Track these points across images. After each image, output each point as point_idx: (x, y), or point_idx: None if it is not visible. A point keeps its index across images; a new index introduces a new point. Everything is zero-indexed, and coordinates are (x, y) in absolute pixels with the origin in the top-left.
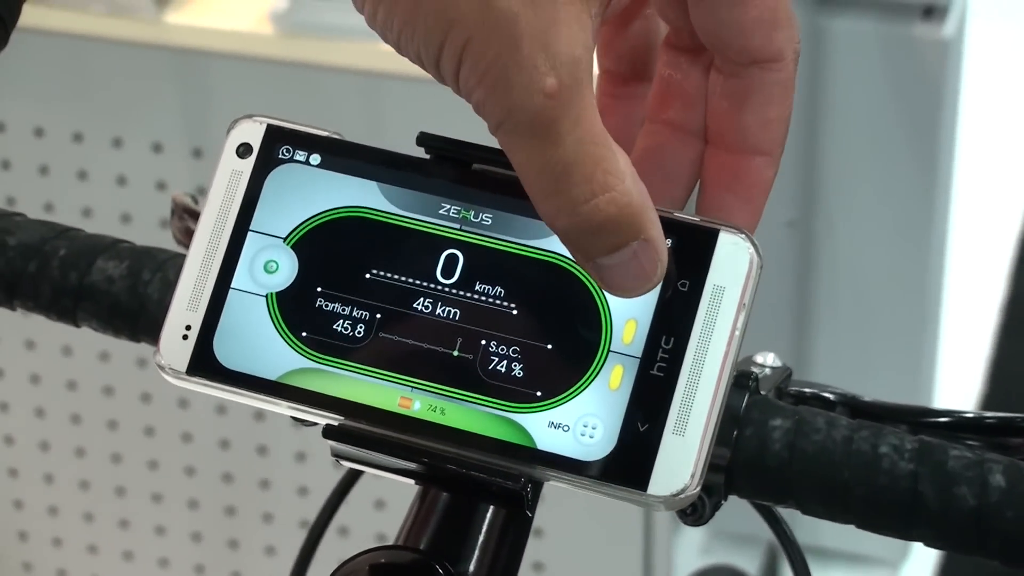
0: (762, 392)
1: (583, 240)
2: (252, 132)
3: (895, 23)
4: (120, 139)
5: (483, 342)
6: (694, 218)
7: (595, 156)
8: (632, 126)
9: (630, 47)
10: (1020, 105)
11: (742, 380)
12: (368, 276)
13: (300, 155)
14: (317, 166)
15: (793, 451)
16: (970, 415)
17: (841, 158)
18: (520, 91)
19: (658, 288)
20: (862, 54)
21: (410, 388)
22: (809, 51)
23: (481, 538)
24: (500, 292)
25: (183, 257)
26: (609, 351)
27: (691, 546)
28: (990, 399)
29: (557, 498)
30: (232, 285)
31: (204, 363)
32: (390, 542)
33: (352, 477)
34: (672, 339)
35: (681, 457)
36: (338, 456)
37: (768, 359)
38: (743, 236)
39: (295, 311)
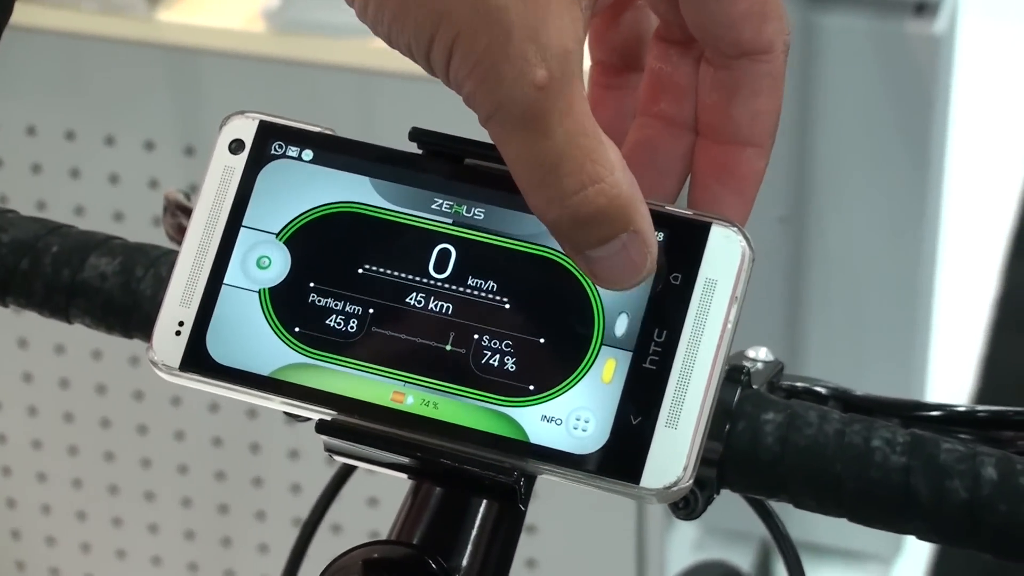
0: (754, 386)
1: (573, 232)
2: (244, 128)
3: (887, 19)
4: (112, 137)
5: (476, 336)
6: (686, 212)
7: (585, 148)
8: (625, 117)
9: (622, 38)
10: (1011, 101)
11: (734, 374)
12: (361, 271)
13: (292, 151)
14: (309, 162)
15: (785, 445)
16: (962, 409)
17: (833, 154)
18: (510, 83)
19: (650, 281)
20: (854, 51)
21: (403, 383)
22: (801, 48)
23: (474, 532)
24: (492, 286)
25: (176, 253)
26: (602, 344)
27: (685, 542)
28: (982, 394)
29: (551, 494)
30: (225, 281)
31: (197, 359)
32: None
33: (344, 474)
34: (664, 332)
35: (674, 450)
36: (331, 451)
37: (760, 353)
38: (735, 229)
39: (288, 307)
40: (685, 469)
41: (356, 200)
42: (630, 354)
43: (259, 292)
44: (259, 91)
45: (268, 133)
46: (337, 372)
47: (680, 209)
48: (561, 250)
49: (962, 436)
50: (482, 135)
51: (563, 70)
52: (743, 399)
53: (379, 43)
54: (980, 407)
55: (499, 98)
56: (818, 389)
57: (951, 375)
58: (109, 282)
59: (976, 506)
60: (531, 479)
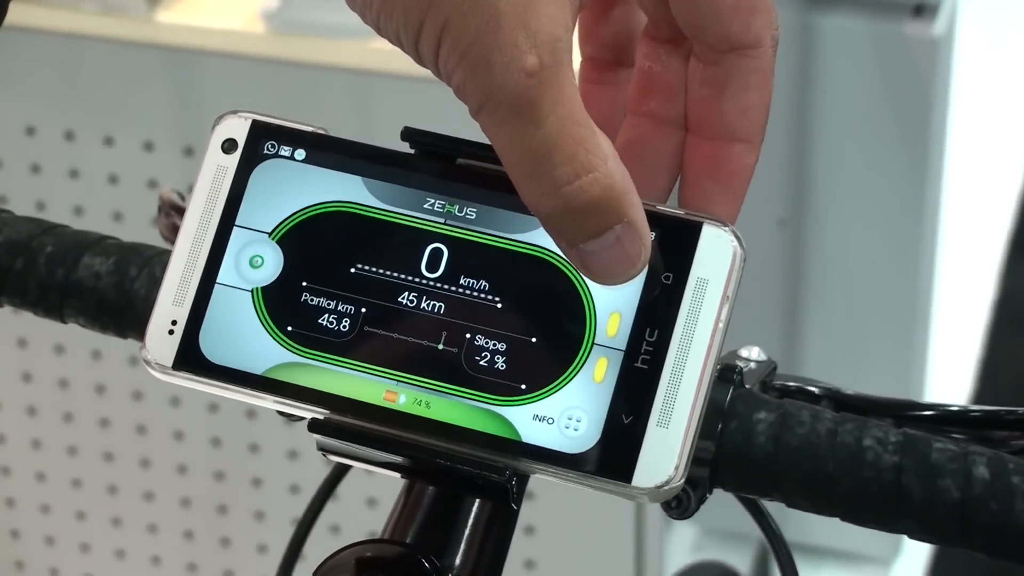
0: (747, 386)
1: (567, 224)
2: (237, 128)
3: (885, 21)
4: (111, 137)
5: (468, 336)
6: (677, 211)
7: (577, 136)
8: (616, 113)
9: (612, 33)
10: (1010, 102)
11: (727, 374)
12: (353, 271)
13: (285, 150)
14: (302, 161)
15: (778, 444)
16: (955, 408)
17: (831, 156)
18: (500, 71)
19: (642, 281)
20: (852, 52)
21: (395, 382)
22: (799, 49)
23: (467, 531)
24: (485, 286)
25: (169, 253)
26: (593, 344)
27: (683, 543)
28: (981, 396)
29: (549, 495)
30: (218, 280)
31: (190, 358)
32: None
33: (339, 473)
34: (656, 331)
35: (665, 449)
36: (324, 450)
37: (753, 353)
38: (726, 229)
39: (281, 306)
40: (676, 468)
41: (349, 200)
42: (621, 353)
43: (252, 291)
44: (258, 92)
45: (261, 133)
46: (330, 371)
47: (672, 208)
48: (554, 249)
49: (955, 436)
50: (475, 135)
51: (553, 57)
52: (735, 398)
53: (378, 44)
54: (973, 407)
55: (489, 87)
56: (811, 389)
57: (950, 377)
58: (103, 282)
59: (968, 505)
60: (523, 478)
